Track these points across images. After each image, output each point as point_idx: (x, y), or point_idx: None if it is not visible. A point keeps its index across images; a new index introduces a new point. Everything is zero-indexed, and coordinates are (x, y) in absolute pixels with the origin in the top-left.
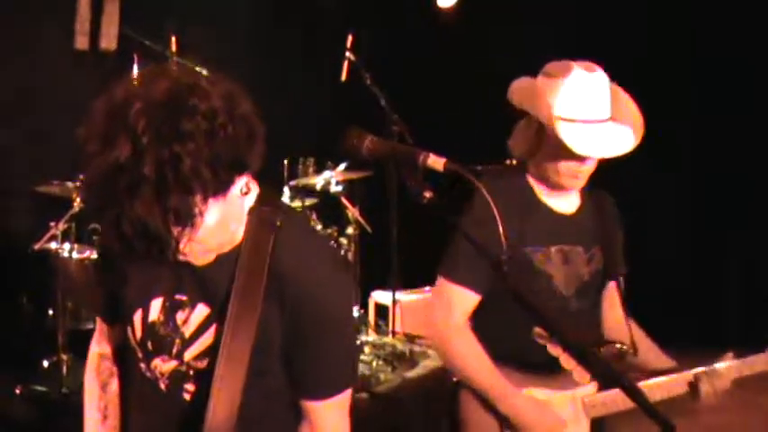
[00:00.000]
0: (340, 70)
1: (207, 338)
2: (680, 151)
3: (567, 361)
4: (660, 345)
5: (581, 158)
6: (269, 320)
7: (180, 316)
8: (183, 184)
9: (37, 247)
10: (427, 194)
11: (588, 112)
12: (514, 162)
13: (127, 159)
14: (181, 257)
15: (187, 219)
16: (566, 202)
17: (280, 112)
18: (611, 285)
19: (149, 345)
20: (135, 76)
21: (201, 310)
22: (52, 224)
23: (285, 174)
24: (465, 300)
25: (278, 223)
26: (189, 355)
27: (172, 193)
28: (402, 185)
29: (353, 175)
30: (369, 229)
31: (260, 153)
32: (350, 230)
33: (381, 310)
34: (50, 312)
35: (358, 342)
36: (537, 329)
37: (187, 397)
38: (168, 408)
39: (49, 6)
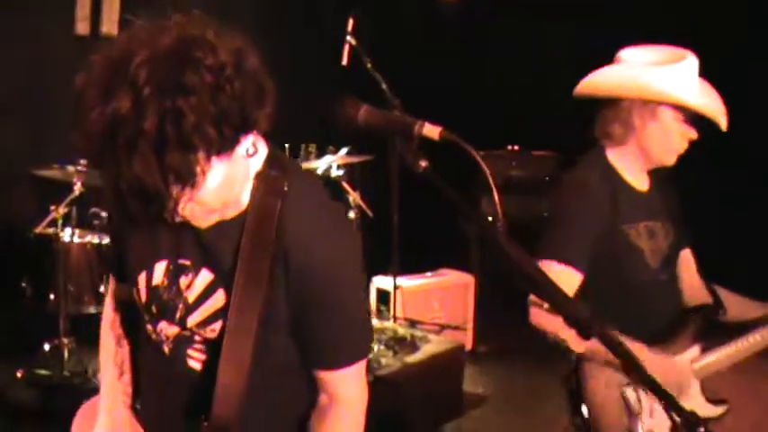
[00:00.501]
0: (341, 54)
1: (211, 305)
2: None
3: (564, 330)
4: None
5: (687, 136)
6: (276, 291)
7: (183, 280)
8: (185, 141)
9: (37, 230)
10: (422, 164)
11: (699, 95)
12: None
13: (126, 112)
14: (182, 218)
15: (187, 177)
16: (641, 181)
17: (280, 97)
18: (686, 254)
19: (154, 308)
20: (139, 27)
21: (205, 276)
22: (52, 208)
23: None
24: (573, 280)
25: (285, 188)
26: (192, 321)
27: (172, 150)
28: (403, 169)
29: (355, 160)
30: (370, 213)
31: (268, 112)
32: (351, 215)
33: (383, 296)
34: (51, 296)
35: None
36: (532, 297)
37: (191, 363)
38: (171, 371)
39: None
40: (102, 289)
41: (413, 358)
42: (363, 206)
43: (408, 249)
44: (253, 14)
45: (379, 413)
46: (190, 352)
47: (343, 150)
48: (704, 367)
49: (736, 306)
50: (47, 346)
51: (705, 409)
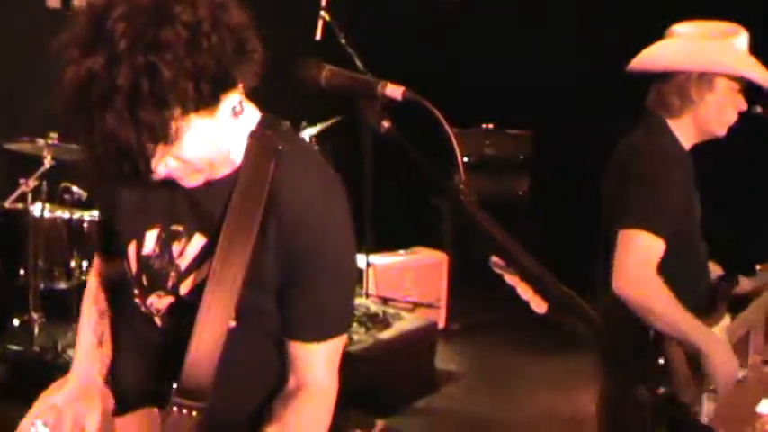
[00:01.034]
0: (314, 29)
1: (204, 271)
2: None
3: (524, 290)
4: None
5: (739, 107)
6: (264, 251)
7: (176, 248)
8: (160, 97)
9: (7, 205)
10: (385, 124)
11: (754, 66)
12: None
13: (101, 68)
14: (162, 177)
15: (161, 134)
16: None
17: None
18: None
19: (144, 279)
20: None
21: (198, 241)
22: (22, 182)
23: None
24: (658, 248)
25: (279, 148)
26: (184, 288)
27: (146, 106)
28: (377, 147)
29: (327, 128)
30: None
31: (253, 70)
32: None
33: None
34: (21, 272)
35: None
36: (494, 258)
37: (184, 335)
38: (163, 344)
39: None
40: (72, 264)
41: (385, 335)
42: None
43: (381, 227)
44: None
45: (350, 389)
46: (183, 323)
47: (317, 126)
48: (734, 330)
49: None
50: (16, 322)
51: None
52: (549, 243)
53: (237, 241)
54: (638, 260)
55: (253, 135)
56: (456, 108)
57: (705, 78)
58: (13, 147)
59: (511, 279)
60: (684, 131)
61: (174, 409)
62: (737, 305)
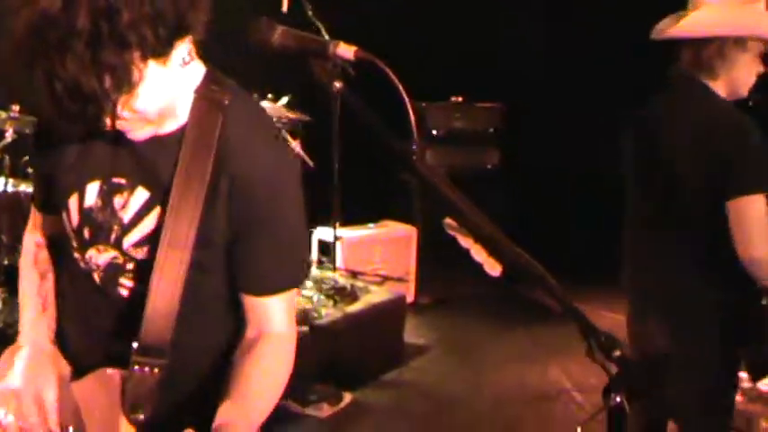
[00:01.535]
0: (280, 1)
1: (147, 224)
2: None
3: (477, 252)
4: None
5: (760, 70)
6: (215, 207)
7: (118, 200)
8: (120, 38)
9: None
10: (337, 84)
11: None
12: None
13: (57, 12)
14: (118, 127)
15: (123, 77)
16: None
17: (219, 45)
18: None
19: (86, 232)
20: None
21: (141, 194)
22: None
23: None
24: None
25: (226, 102)
26: (128, 242)
27: (107, 48)
28: (345, 119)
29: (294, 112)
30: (311, 163)
31: (203, 19)
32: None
33: (324, 247)
34: None
35: None
36: (447, 220)
37: (122, 292)
38: (102, 302)
39: None
40: None
41: (353, 308)
42: (304, 156)
43: (350, 200)
44: None
45: (318, 362)
46: (122, 280)
47: (283, 99)
48: None
49: None
50: None
51: None
52: (518, 216)
53: (188, 198)
54: (764, 223)
55: (198, 90)
56: (425, 81)
57: (740, 41)
58: None
59: (465, 241)
60: (720, 92)
61: (136, 368)
62: None
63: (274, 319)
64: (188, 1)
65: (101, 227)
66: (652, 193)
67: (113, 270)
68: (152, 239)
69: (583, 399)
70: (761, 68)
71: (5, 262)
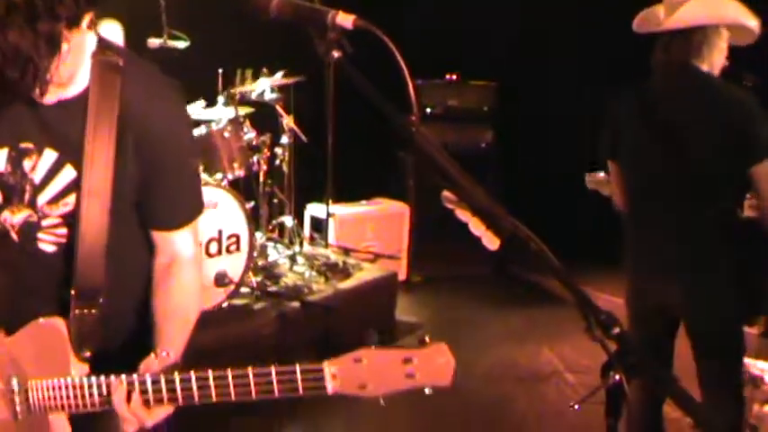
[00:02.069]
0: None
1: (58, 183)
2: None
3: (476, 225)
4: None
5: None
6: (124, 159)
7: (27, 164)
8: (52, 11)
9: None
10: (335, 54)
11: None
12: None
13: None
14: (36, 94)
15: (57, 45)
16: None
17: (215, 20)
18: None
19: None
20: None
21: (49, 155)
22: None
23: (220, 83)
24: None
25: (121, 64)
26: (42, 200)
27: (42, 20)
28: (340, 94)
29: (289, 83)
30: (304, 138)
31: None
32: (284, 140)
33: (316, 223)
34: None
35: (291, 252)
36: (445, 193)
37: (44, 247)
38: (24, 259)
39: None
40: None
41: (345, 284)
42: (297, 131)
43: (343, 177)
44: None
45: (309, 338)
46: (40, 235)
47: (279, 74)
48: None
49: None
50: None
51: None
52: (511, 194)
53: (101, 153)
54: None
55: (95, 55)
56: (419, 59)
57: (718, 29)
58: None
59: (462, 214)
60: None
61: (77, 311)
62: None
63: (184, 246)
64: None
65: (13, 189)
66: (660, 164)
67: (29, 228)
68: (67, 192)
69: (575, 380)
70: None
71: None
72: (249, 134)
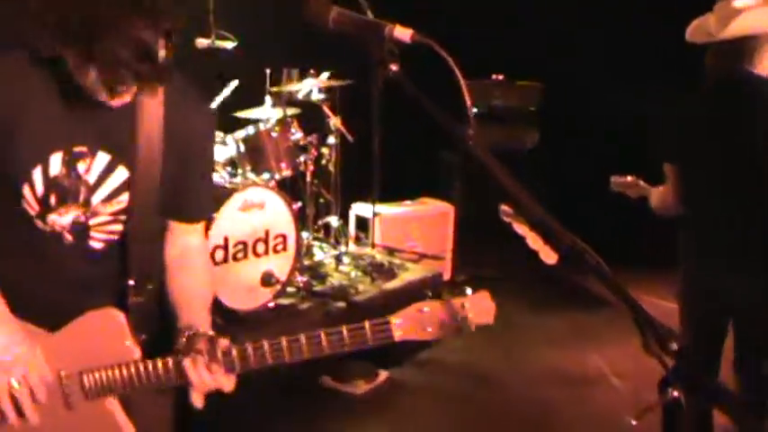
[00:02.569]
0: None
1: (112, 182)
2: None
3: (533, 240)
4: None
5: None
6: (166, 159)
7: (81, 166)
8: (169, 12)
9: None
10: (393, 67)
11: None
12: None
13: None
14: (105, 96)
15: (172, 44)
16: None
17: (263, 21)
18: None
19: (52, 198)
20: None
21: (102, 157)
22: None
23: (267, 83)
24: None
25: None
26: (96, 199)
27: (163, 17)
28: (386, 95)
29: (336, 84)
30: (350, 137)
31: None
32: (331, 140)
33: (362, 223)
34: None
35: (337, 252)
36: (503, 207)
37: (95, 244)
38: (70, 257)
39: None
40: None
41: (390, 285)
42: (344, 131)
43: (389, 177)
44: None
45: None
46: (93, 233)
47: (325, 74)
48: None
49: None
50: None
51: None
52: (556, 196)
53: (152, 155)
54: None
55: None
56: (465, 58)
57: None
58: None
59: (520, 228)
60: None
61: (134, 299)
62: None
63: (199, 237)
64: None
65: (68, 191)
66: (727, 166)
67: (80, 227)
68: (120, 191)
69: (621, 384)
70: None
71: None
72: (296, 134)
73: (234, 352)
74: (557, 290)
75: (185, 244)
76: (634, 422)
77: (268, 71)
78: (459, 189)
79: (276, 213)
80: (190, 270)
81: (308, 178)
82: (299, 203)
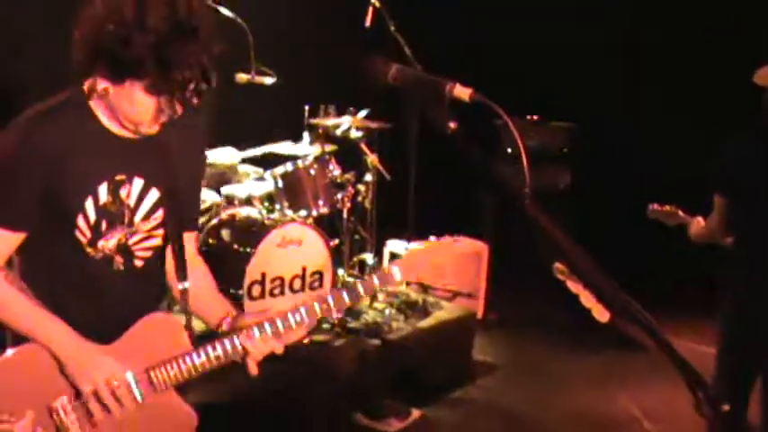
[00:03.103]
0: (365, 16)
1: (149, 201)
2: None
3: (587, 298)
4: None
5: None
6: (180, 179)
7: (123, 192)
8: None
9: None
10: (452, 125)
11: None
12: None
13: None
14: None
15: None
16: None
17: (303, 58)
18: None
19: (103, 225)
20: None
21: (138, 182)
22: None
23: (306, 119)
24: None
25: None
26: (137, 219)
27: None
28: (422, 134)
29: (373, 125)
30: (387, 176)
31: None
32: (368, 177)
33: (396, 259)
34: None
35: None
36: (557, 265)
37: (137, 262)
38: (120, 278)
39: None
40: None
41: (424, 323)
42: (381, 169)
43: (423, 214)
44: None
45: (388, 376)
46: (136, 252)
47: (363, 112)
48: None
49: None
50: None
51: None
52: (589, 237)
53: (173, 177)
54: None
55: None
56: (500, 98)
57: None
58: None
59: (574, 287)
60: None
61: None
62: None
63: (193, 245)
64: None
65: (116, 215)
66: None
67: (124, 248)
68: (155, 209)
69: (653, 428)
70: None
71: None
72: (334, 171)
73: (278, 322)
74: (590, 329)
75: (189, 251)
76: None
77: (306, 107)
78: (493, 227)
79: (313, 250)
80: (199, 273)
81: (345, 215)
82: (336, 240)
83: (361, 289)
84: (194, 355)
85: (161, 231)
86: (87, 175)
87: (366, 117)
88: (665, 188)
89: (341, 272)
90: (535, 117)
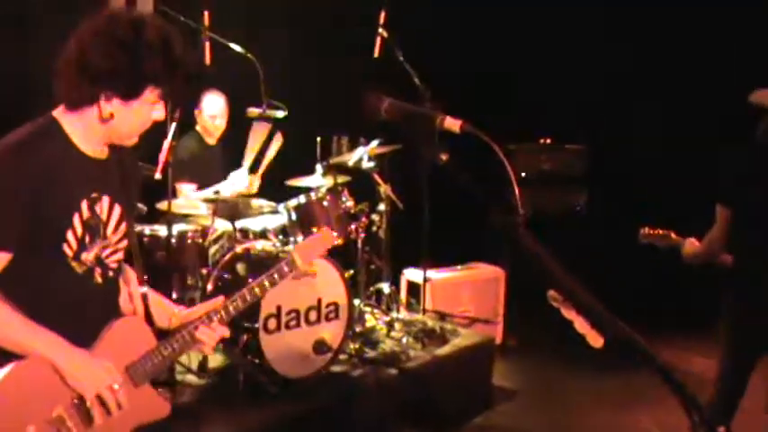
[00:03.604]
0: (373, 47)
1: (114, 216)
2: None
3: (581, 325)
4: None
5: None
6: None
7: (97, 208)
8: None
9: None
10: (443, 156)
11: None
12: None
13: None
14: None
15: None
16: None
17: (312, 89)
18: None
19: (87, 238)
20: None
21: (106, 200)
22: None
23: (318, 151)
24: None
25: None
26: (109, 231)
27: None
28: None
29: (386, 152)
30: (400, 205)
31: None
32: (381, 207)
33: (413, 288)
34: None
35: (389, 319)
36: (551, 292)
37: (110, 273)
38: (97, 289)
39: None
40: None
41: (442, 351)
42: (394, 198)
43: (439, 242)
44: (286, 8)
45: (407, 405)
46: (108, 263)
47: (375, 142)
48: None
49: None
50: None
51: None
52: (605, 258)
53: (127, 194)
54: None
55: None
56: (514, 122)
57: None
58: None
59: (568, 313)
60: None
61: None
62: None
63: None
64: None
65: (96, 229)
66: None
67: (100, 260)
68: (119, 223)
69: None
70: None
71: None
72: (347, 202)
73: (221, 312)
74: (608, 352)
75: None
76: None
77: (318, 139)
78: (510, 253)
79: (328, 281)
80: (133, 279)
81: (360, 245)
82: (351, 271)
83: (276, 276)
84: (161, 348)
85: (125, 244)
86: (72, 196)
87: (378, 145)
88: (678, 210)
89: (357, 301)
90: (548, 140)
